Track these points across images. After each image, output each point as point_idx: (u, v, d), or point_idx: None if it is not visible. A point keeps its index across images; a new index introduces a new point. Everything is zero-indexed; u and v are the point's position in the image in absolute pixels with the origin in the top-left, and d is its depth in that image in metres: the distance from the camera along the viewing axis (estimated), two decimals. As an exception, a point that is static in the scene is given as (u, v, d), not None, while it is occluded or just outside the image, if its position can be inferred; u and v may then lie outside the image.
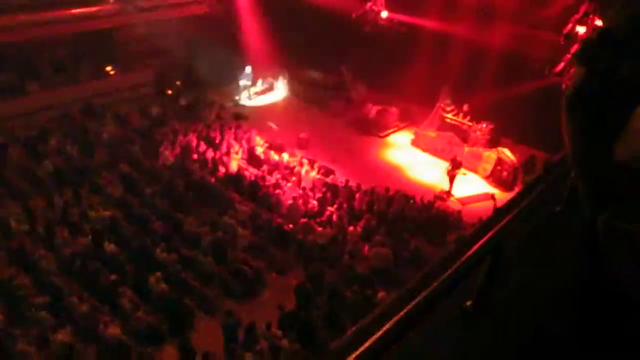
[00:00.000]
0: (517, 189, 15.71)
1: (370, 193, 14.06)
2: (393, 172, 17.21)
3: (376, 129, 19.77)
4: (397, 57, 19.37)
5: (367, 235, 12.34)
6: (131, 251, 11.44)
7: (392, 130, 19.94)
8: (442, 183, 15.75)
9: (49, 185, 14.26)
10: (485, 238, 1.92)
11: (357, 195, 13.99)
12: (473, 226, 10.82)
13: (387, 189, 14.22)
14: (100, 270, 10.70)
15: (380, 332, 1.50)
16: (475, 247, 1.86)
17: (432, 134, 18.34)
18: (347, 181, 14.60)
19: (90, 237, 11.71)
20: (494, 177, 16.40)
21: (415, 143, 18.87)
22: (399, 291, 1.80)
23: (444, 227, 13.01)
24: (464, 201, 15.24)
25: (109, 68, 20.50)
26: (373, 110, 19.96)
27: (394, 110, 20.12)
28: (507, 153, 16.27)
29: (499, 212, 2.33)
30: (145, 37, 20.74)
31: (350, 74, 21.92)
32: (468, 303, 2.00)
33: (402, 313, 1.59)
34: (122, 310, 9.93)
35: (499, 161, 16.26)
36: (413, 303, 1.64)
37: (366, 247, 11.97)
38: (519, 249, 2.29)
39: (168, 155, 15.64)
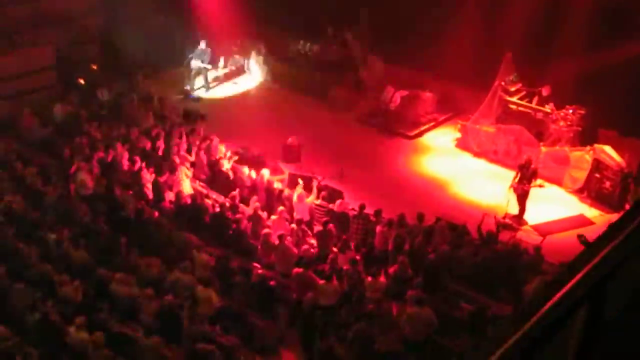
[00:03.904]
0: (628, 208, 15.69)
1: (397, 224, 14.07)
2: (431, 189, 17.21)
3: (402, 125, 19.84)
4: (430, 14, 19.46)
5: (395, 289, 12.34)
6: (26, 331, 11.29)
7: (426, 126, 20.02)
8: (507, 203, 15.72)
9: None
10: (576, 278, 1.90)
11: (378, 228, 14.02)
12: (561, 268, 10.80)
13: (422, 217, 14.24)
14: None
15: None
16: (562, 292, 1.84)
17: (488, 128, 18.43)
18: (361, 207, 14.62)
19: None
20: (590, 191, 16.42)
21: (462, 144, 18.96)
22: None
23: (515, 271, 12.97)
24: (544, 230, 15.22)
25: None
26: (396, 97, 20.05)
27: (428, 95, 20.21)
28: (609, 152, 16.26)
29: (600, 240, 2.35)
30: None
31: (360, 44, 22.03)
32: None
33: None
34: None
35: (597, 165, 16.28)
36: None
37: (394, 307, 11.97)
38: (632, 297, 2.26)
39: (84, 179, 15.64)
